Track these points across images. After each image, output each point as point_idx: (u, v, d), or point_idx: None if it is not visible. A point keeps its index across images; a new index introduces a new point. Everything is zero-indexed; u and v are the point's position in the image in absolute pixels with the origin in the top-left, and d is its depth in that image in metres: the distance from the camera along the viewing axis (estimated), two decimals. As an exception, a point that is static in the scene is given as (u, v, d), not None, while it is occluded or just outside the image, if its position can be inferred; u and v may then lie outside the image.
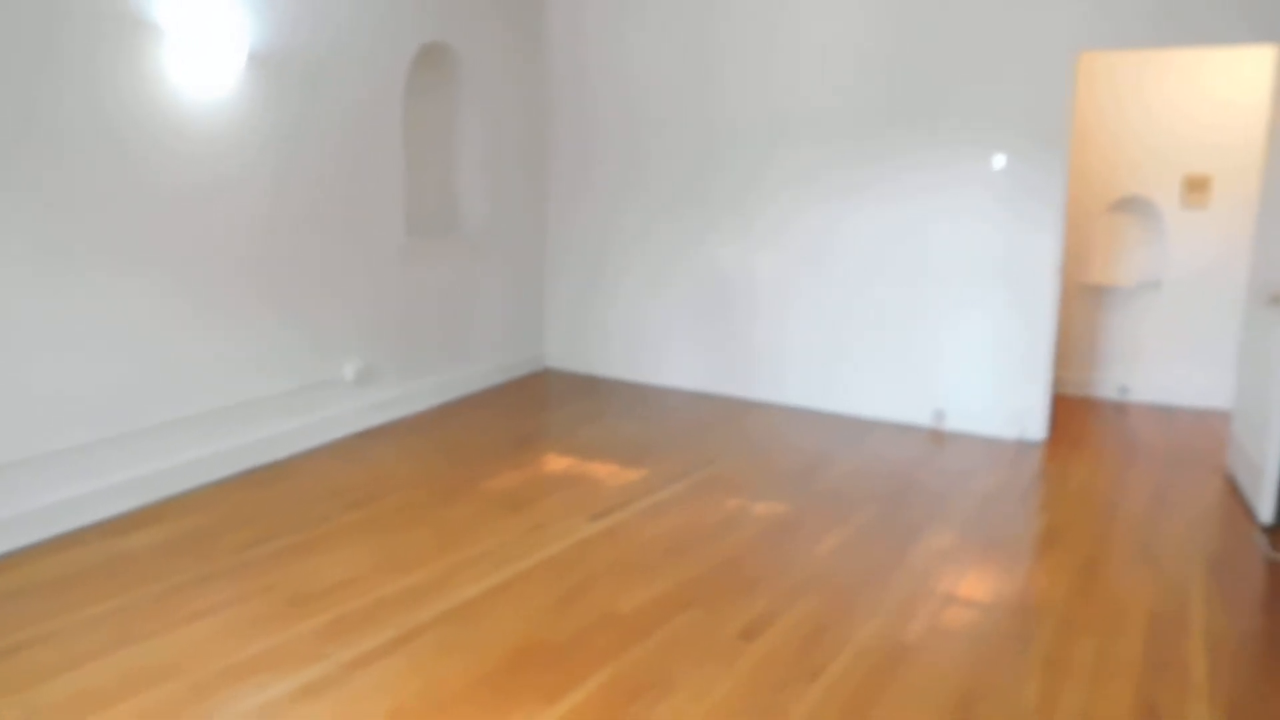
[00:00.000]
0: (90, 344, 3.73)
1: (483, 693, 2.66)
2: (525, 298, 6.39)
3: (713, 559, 3.59)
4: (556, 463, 4.68)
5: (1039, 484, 4.56)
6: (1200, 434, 5.34)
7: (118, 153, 3.76)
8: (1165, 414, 5.75)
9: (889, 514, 4.08)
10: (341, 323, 4.91)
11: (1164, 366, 5.93)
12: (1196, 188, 5.72)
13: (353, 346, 4.99)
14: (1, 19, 3.34)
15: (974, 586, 3.43)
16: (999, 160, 4.96)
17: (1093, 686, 2.77)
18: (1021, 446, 5.03)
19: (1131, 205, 5.93)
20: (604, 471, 4.51)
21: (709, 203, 5.85)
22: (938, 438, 5.18)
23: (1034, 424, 5.12)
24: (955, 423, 5.29)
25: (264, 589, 3.25)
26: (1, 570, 3.32)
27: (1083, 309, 6.09)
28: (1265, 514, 3.97)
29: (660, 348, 6.18)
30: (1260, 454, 4.02)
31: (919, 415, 5.37)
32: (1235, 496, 4.35)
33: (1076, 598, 3.34)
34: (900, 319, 5.36)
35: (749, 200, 5.71)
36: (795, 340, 5.70)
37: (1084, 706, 2.67)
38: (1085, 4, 4.73)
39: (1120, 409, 5.88)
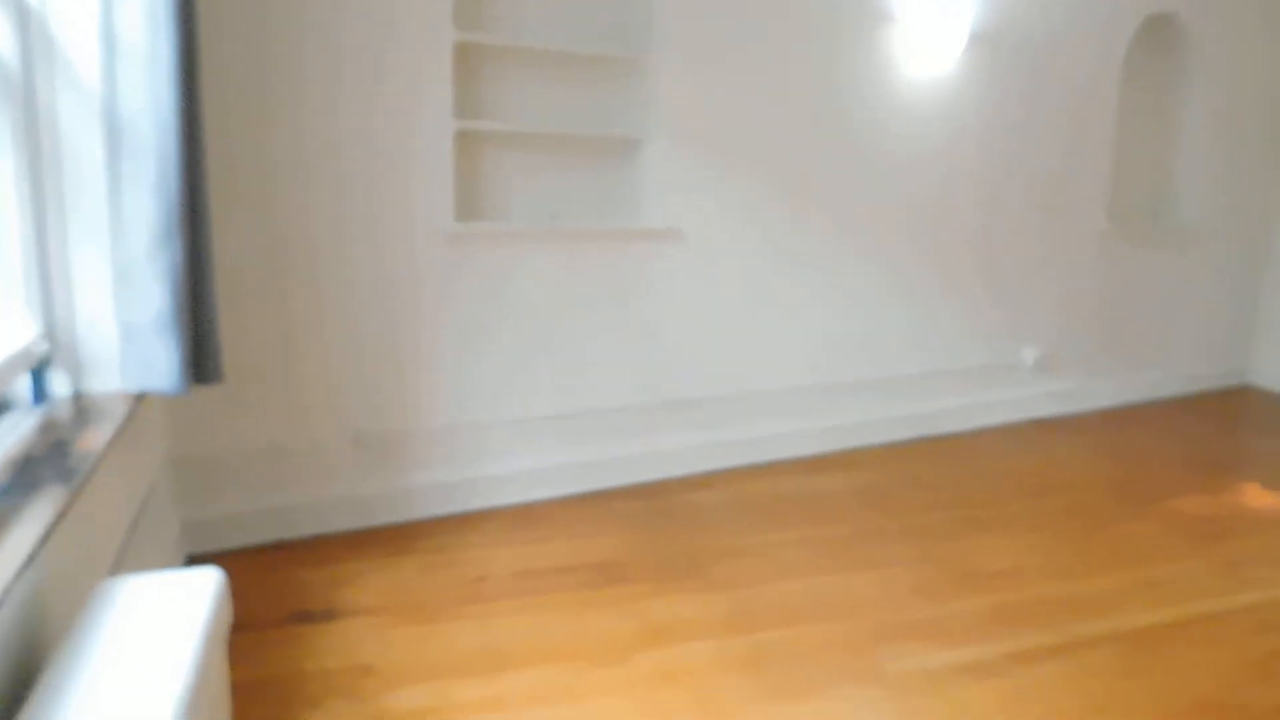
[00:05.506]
0: (802, 304, 4.26)
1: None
2: (1235, 301, 5.57)
3: None
4: (1261, 498, 4.05)
5: None
6: None
7: (849, 134, 4.17)
8: None
9: None
10: (1031, 307, 4.86)
11: None
12: None
13: (1038, 332, 4.89)
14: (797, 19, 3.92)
15: None
16: None
17: None
18: None
19: None
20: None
21: None
22: None
23: None
24: None
25: (935, 557, 3.40)
26: (723, 483, 4.03)
27: None
28: None
29: None
30: None
31: None
32: None
33: None
34: None
35: None
36: None
37: None
38: None
39: None
